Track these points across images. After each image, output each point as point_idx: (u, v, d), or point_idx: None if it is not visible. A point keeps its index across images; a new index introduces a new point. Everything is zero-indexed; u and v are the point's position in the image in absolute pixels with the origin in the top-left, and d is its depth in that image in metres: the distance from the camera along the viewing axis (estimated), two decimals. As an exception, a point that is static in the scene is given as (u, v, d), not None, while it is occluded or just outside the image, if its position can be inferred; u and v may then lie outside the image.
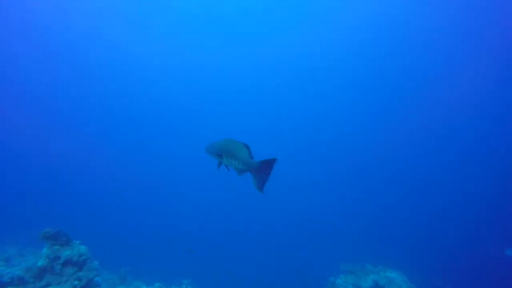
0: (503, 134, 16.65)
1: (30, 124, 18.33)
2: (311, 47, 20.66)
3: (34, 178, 14.98)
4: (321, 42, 20.39)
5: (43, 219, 11.02)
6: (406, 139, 18.93)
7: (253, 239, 12.31)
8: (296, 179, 16.85)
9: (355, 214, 14.32)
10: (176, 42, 20.54)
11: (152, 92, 21.52)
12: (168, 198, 15.12)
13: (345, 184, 17.09)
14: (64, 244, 6.63)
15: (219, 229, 12.77)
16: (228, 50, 20.62)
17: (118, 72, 20.37)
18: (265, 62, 21.10)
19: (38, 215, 11.63)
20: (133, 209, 13.66)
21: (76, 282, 6.02)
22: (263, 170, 2.43)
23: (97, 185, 15.34)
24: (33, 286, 5.85)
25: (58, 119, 18.63)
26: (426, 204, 15.16)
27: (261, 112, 21.79)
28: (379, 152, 18.54)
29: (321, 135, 20.22)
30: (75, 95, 19.50)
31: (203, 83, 21.91)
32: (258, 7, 19.21)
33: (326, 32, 19.97)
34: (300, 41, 20.50)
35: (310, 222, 13.67)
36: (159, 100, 21.58)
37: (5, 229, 10.73)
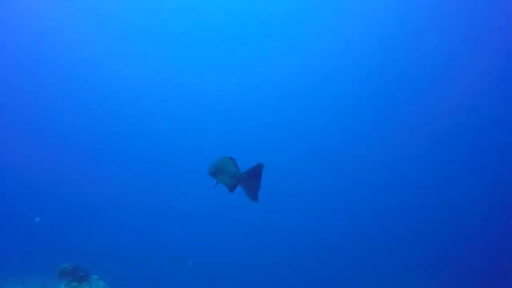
0: (504, 134, 16.14)
1: (42, 151, 18.67)
2: (311, 47, 20.74)
3: (53, 207, 15.27)
4: (321, 43, 20.45)
5: (63, 248, 11.19)
6: (410, 140, 18.44)
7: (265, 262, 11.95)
8: (299, 186, 16.40)
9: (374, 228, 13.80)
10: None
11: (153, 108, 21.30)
12: (181, 218, 15.02)
13: (359, 196, 16.61)
14: (82, 280, 6.72)
15: (231, 253, 12.49)
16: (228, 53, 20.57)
17: (115, 85, 20.11)
18: (265, 63, 21.01)
19: (58, 244, 11.81)
20: (146, 234, 13.59)
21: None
22: (251, 178, 2.27)
23: (107, 211, 15.39)
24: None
25: (67, 145, 18.77)
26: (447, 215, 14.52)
27: (263, 118, 21.50)
28: (387, 157, 18.14)
29: (332, 142, 19.97)
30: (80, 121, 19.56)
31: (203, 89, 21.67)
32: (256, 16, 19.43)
33: (327, 34, 20.02)
34: (301, 42, 20.62)
35: (322, 241, 13.19)
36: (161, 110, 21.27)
37: (27, 259, 10.92)
